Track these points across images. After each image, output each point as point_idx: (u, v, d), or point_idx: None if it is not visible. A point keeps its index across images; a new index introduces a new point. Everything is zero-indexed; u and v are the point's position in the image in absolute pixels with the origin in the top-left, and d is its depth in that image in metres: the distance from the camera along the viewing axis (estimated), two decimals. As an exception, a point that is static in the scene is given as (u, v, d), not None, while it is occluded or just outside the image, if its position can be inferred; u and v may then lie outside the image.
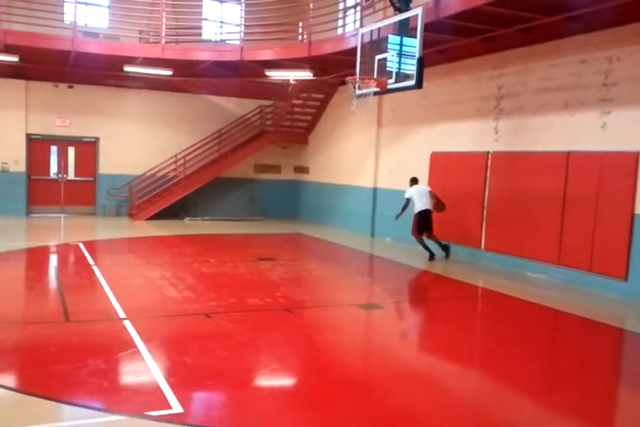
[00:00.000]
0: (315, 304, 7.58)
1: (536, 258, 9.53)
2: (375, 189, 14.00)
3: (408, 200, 10.96)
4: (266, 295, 7.46)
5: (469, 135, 11.07)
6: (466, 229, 10.95)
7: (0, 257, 9.78)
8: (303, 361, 5.36)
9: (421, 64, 8.36)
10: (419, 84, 8.46)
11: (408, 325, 6.98)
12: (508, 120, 10.26)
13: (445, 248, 10.90)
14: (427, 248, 10.84)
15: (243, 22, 13.78)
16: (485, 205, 10.57)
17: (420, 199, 10.83)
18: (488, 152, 10.56)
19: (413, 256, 11.30)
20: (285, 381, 4.90)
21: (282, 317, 6.63)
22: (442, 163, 11.66)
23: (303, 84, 15.44)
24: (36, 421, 3.80)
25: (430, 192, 10.89)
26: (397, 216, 10.99)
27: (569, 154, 9.00)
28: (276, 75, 14.03)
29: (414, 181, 11.31)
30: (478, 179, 10.67)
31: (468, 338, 6.40)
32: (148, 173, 16.16)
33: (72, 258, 10.32)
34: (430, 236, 10.92)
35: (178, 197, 15.75)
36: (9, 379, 4.60)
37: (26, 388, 4.35)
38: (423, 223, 10.81)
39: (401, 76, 8.79)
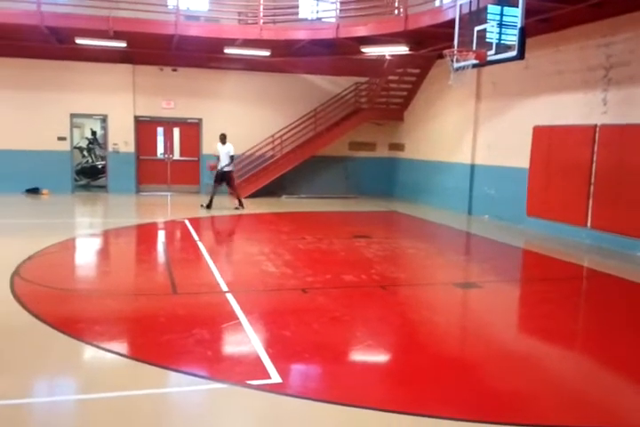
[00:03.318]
0: (409, 282, 7.58)
1: (648, 237, 8.99)
2: (473, 166, 13.65)
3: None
4: (361, 272, 7.54)
5: (575, 108, 10.50)
6: (570, 207, 10.48)
7: (113, 233, 10.48)
8: (398, 338, 5.40)
9: (523, 34, 8.00)
10: (521, 55, 8.12)
11: (507, 305, 6.80)
12: (617, 91, 9.64)
13: (241, 203, 13.66)
14: (212, 198, 13.49)
15: (338, -1, 13.73)
16: (592, 181, 10.04)
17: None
18: (596, 125, 9.98)
19: (513, 235, 11.01)
20: (380, 357, 4.97)
21: (376, 294, 6.68)
22: (545, 137, 11.17)
23: (399, 60, 15.20)
24: (147, 386, 4.09)
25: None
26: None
27: (687, 126, 8.36)
28: (371, 51, 13.90)
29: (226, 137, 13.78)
30: (585, 154, 10.13)
31: (571, 320, 6.17)
32: (248, 153, 16.61)
33: (178, 234, 10.87)
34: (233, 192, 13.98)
35: (275, 175, 16.08)
36: (122, 346, 4.96)
37: (137, 355, 4.66)
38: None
39: (501, 48, 8.48)
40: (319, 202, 15.80)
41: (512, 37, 8.23)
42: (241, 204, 13.71)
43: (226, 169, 13.61)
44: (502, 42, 8.49)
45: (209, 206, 13.50)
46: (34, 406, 3.82)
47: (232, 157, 13.63)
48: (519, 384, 4.28)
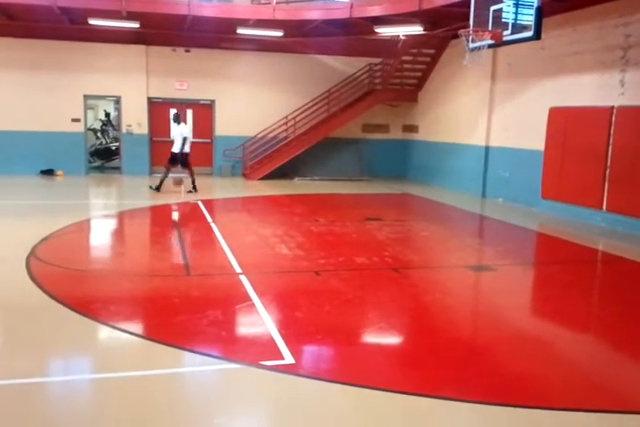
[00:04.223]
0: (422, 265, 7.58)
1: (664, 221, 8.90)
2: (487, 148, 13.53)
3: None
4: (373, 255, 7.55)
5: (592, 89, 10.35)
6: (585, 190, 10.38)
7: (128, 214, 10.55)
8: (410, 321, 5.41)
9: (540, 14, 7.87)
10: (537, 35, 8.00)
11: (521, 288, 6.79)
12: (635, 72, 9.48)
13: (194, 187, 13.07)
14: (163, 181, 12.86)
15: (352, -22, 13.54)
16: (609, 163, 9.93)
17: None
18: (612, 107, 9.84)
19: (527, 218, 10.95)
20: (393, 339, 4.99)
21: (389, 276, 6.69)
22: (561, 119, 11.03)
23: (413, 40, 15.02)
24: (161, 366, 4.14)
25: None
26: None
27: None
28: (385, 31, 13.74)
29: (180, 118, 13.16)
30: (601, 136, 10.01)
31: (585, 304, 6.15)
32: (260, 135, 16.57)
33: (192, 215, 10.92)
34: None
35: (288, 157, 16.06)
36: (137, 327, 5.02)
37: (152, 335, 4.72)
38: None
39: (518, 28, 8.35)
40: (332, 184, 15.78)
41: (528, 17, 8.10)
42: (194, 187, 13.04)
43: (176, 150, 12.77)
44: (518, 22, 8.36)
45: (158, 189, 12.85)
46: (49, 385, 3.89)
47: (184, 139, 12.74)
48: (532, 367, 4.29)
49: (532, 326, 5.40)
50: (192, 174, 13.18)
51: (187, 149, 12.91)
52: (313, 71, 16.81)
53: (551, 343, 4.84)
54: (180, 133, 12.79)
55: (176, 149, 12.79)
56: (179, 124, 12.99)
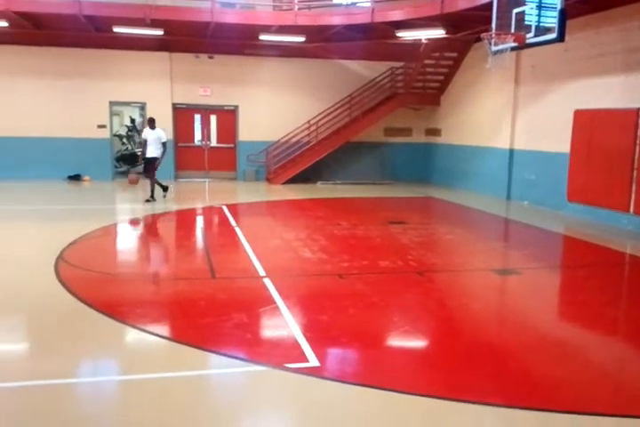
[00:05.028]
0: (447, 268, 7.54)
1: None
2: (512, 151, 13.43)
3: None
4: (397, 258, 7.54)
5: (617, 91, 10.22)
6: (612, 192, 10.23)
7: (153, 219, 10.69)
8: (435, 324, 5.39)
9: (563, 16, 7.83)
10: (561, 38, 7.96)
11: (547, 292, 6.70)
12: (663, 72, 9.35)
13: (152, 195, 12.33)
14: (161, 185, 12.51)
15: (373, -17, 13.57)
16: (636, 165, 9.78)
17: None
18: (638, 109, 9.71)
19: (553, 221, 10.84)
20: (418, 342, 4.98)
21: (413, 280, 6.68)
22: (586, 121, 10.90)
23: (435, 43, 14.98)
24: (188, 368, 4.19)
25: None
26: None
27: None
28: (407, 35, 13.74)
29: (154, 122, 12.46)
30: (627, 138, 9.86)
31: (613, 308, 6.05)
32: (283, 139, 16.65)
33: (216, 219, 11.02)
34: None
35: (311, 161, 16.11)
36: (163, 329, 5.08)
37: (178, 337, 4.77)
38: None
39: (541, 30, 8.32)
40: (355, 188, 15.79)
41: (552, 19, 8.07)
42: (152, 196, 12.32)
43: (154, 155, 12.24)
44: (542, 24, 8.33)
45: (165, 189, 12.63)
46: (79, 386, 3.97)
47: (164, 144, 12.28)
48: (558, 371, 4.24)
49: (560, 331, 5.34)
50: (153, 182, 12.44)
51: (153, 153, 12.30)
52: (335, 76, 16.86)
53: (578, 347, 4.79)
54: (159, 138, 12.22)
55: (157, 153, 12.26)
56: (153, 128, 12.29)
